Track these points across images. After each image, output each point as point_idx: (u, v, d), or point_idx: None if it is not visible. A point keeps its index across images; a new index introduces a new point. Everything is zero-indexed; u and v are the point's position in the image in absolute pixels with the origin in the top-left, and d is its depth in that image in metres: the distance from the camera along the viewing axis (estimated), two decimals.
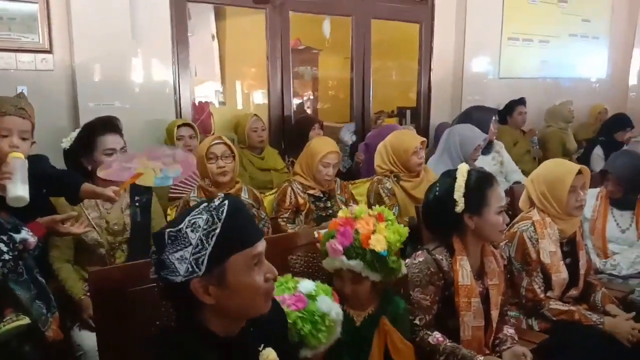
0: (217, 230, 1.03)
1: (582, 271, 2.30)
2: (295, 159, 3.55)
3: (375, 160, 2.94)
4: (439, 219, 1.86)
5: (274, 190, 2.94)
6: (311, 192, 2.73)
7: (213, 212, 1.05)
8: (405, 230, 1.68)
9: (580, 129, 5.58)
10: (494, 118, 3.63)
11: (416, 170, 2.86)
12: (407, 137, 2.92)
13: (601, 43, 6.13)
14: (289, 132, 3.91)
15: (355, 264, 1.57)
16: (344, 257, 1.58)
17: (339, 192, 2.82)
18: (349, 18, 4.27)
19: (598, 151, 4.51)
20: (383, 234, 1.58)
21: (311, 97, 6.23)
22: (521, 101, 4.64)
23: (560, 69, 5.69)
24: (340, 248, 1.58)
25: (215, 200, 1.08)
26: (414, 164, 2.84)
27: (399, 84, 6.10)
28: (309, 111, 5.92)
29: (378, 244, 1.54)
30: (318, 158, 2.66)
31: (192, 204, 2.36)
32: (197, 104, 3.95)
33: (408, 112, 5.24)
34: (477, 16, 4.77)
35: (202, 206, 1.07)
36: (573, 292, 2.28)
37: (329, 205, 2.76)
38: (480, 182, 1.81)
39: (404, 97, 5.83)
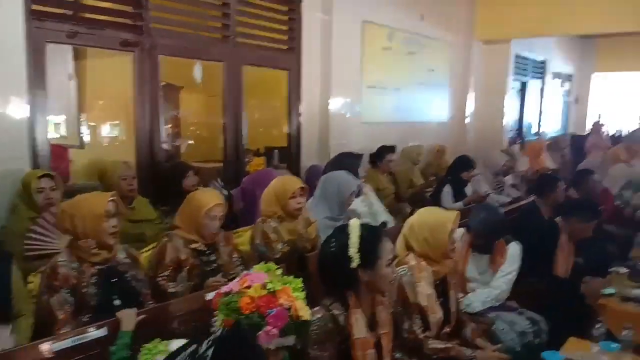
0: None
1: (453, 309, 2.54)
2: (167, 208, 3.42)
3: (261, 204, 2.99)
4: (334, 274, 1.93)
5: (150, 247, 2.77)
6: (194, 246, 2.64)
7: None
8: (300, 282, 1.70)
9: (427, 166, 6.24)
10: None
11: (295, 214, 2.96)
12: (287, 182, 3.03)
13: (443, 90, 6.94)
14: (161, 180, 3.74)
15: (291, 339, 1.52)
16: (279, 339, 1.53)
17: (223, 244, 2.76)
18: (220, 63, 4.28)
19: (447, 189, 5.04)
20: (298, 296, 1.56)
21: (172, 134, 6.06)
22: (391, 149, 5.06)
23: (411, 113, 6.30)
24: (277, 332, 1.52)
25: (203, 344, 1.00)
26: (292, 208, 2.94)
27: (267, 122, 6.23)
28: (169, 148, 5.74)
29: (303, 311, 1.53)
30: (203, 211, 2.59)
31: (61, 270, 2.12)
32: (54, 148, 3.60)
33: (276, 152, 5.36)
34: (340, 65, 5.10)
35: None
36: (446, 329, 2.50)
37: (213, 259, 2.69)
38: (373, 237, 1.92)
39: (272, 136, 5.97)
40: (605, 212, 4.86)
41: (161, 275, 2.53)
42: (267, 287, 1.55)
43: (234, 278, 2.56)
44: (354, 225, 1.92)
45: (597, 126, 8.84)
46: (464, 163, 5.18)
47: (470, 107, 7.41)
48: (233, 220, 3.61)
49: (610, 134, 12.07)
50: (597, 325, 2.64)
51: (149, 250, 2.74)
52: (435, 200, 5.00)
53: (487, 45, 7.35)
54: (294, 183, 2.99)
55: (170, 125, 5.95)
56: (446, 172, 5.32)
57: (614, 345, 2.36)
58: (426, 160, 6.29)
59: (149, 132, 3.79)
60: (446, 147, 6.50)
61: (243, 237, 3.04)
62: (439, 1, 6.53)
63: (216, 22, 4.26)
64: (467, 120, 7.37)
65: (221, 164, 4.53)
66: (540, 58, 8.89)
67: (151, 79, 3.76)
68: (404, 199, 5.30)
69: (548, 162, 7.07)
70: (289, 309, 1.53)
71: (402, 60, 6.06)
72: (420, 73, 6.38)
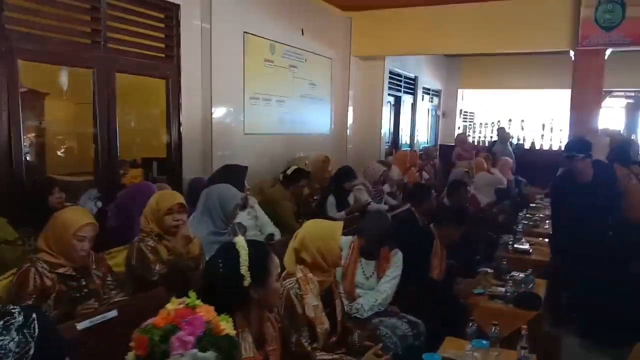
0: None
1: (339, 318, 2.57)
2: (30, 228, 3.08)
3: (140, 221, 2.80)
4: (225, 295, 1.84)
5: (8, 273, 2.46)
6: (61, 270, 2.39)
7: (25, 331, 0.92)
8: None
9: (313, 176, 6.34)
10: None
11: (173, 231, 2.82)
12: (163, 198, 2.88)
13: (325, 103, 7.13)
14: (22, 197, 3.36)
15: (209, 355, 1.36)
16: (195, 351, 1.34)
17: (94, 267, 2.53)
18: (90, 70, 3.97)
19: (331, 199, 5.16)
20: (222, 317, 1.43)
21: (35, 145, 5.49)
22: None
23: (294, 125, 6.38)
24: (192, 339, 1.34)
25: (15, 313, 0.93)
26: (169, 225, 2.80)
27: (144, 132, 5.91)
28: (32, 160, 5.20)
29: (228, 327, 1.40)
30: (71, 232, 2.35)
31: None
32: None
33: (155, 164, 5.10)
34: (221, 75, 5.01)
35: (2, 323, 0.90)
36: (333, 339, 2.53)
37: (84, 283, 2.45)
38: (261, 253, 1.88)
39: (151, 147, 5.67)
40: (472, 215, 5.31)
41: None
42: (187, 303, 1.42)
43: (108, 303, 2.37)
44: (241, 242, 1.86)
45: (461, 138, 9.63)
46: (346, 174, 5.35)
47: (350, 119, 7.71)
48: (106, 239, 3.35)
49: (479, 142, 13.35)
50: (470, 325, 2.85)
51: (7, 277, 2.42)
52: (320, 210, 5.09)
53: (364, 62, 7.71)
54: (171, 198, 2.85)
55: (32, 135, 5.39)
56: (329, 183, 5.44)
57: (485, 342, 2.55)
58: (312, 170, 6.42)
59: (7, 143, 3.40)
60: (329, 157, 6.68)
61: (117, 258, 2.83)
62: (318, 17, 6.73)
63: (85, 26, 3.95)
64: (347, 132, 7.65)
65: (92, 177, 4.20)
66: (412, 75, 9.53)
67: (9, 85, 3.38)
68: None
69: (422, 172, 7.60)
70: (208, 322, 1.39)
71: (285, 73, 6.12)
72: (302, 86, 6.50)
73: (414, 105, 9.88)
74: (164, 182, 4.56)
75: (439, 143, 11.60)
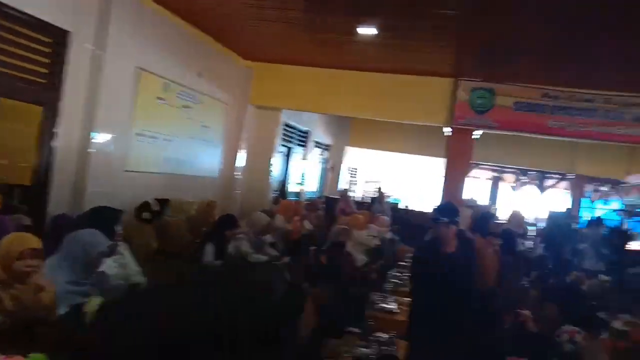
0: None
1: None
2: None
3: None
4: None
5: None
6: None
7: None
8: None
9: (197, 221, 6.20)
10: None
11: (23, 278, 2.54)
12: (15, 241, 2.55)
13: (216, 147, 7.06)
14: None
15: None
16: None
17: None
18: None
19: (209, 247, 5.03)
20: None
21: None
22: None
23: (181, 165, 6.22)
24: None
25: None
26: (20, 271, 2.51)
27: (7, 153, 5.36)
28: None
29: None
30: None
31: None
32: None
33: (17, 191, 4.63)
34: (107, 107, 4.79)
35: None
36: None
37: None
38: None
39: (12, 170, 5.15)
40: (346, 274, 5.46)
41: None
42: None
43: None
44: (92, 306, 1.74)
45: (344, 193, 9.98)
46: (227, 222, 5.28)
47: (240, 165, 7.70)
48: None
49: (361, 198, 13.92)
50: None
51: None
52: (198, 257, 4.93)
53: (260, 110, 7.83)
54: (24, 242, 2.53)
55: None
56: (210, 229, 5.33)
57: None
58: (197, 214, 6.27)
59: None
60: (216, 202, 6.57)
61: None
62: (218, 62, 6.76)
63: None
64: (236, 177, 7.61)
65: None
66: (305, 128, 9.83)
67: None
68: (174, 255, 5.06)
69: (305, 223, 7.72)
70: None
71: (177, 112, 6.00)
72: (194, 127, 6.40)
73: (304, 157, 10.13)
74: (24, 213, 4.16)
75: (324, 195, 11.95)
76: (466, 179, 7.09)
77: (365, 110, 7.41)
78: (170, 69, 5.72)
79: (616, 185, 10.89)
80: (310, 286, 3.79)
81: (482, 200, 12.67)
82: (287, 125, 8.70)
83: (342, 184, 12.50)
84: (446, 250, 4.27)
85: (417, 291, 4.93)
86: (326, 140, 11.68)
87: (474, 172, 14.89)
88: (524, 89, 6.45)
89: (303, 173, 10.16)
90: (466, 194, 10.25)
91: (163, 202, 5.33)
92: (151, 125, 5.54)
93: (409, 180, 15.10)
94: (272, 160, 8.10)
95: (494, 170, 14.94)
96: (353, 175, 14.15)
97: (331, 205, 9.78)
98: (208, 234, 5.33)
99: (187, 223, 5.56)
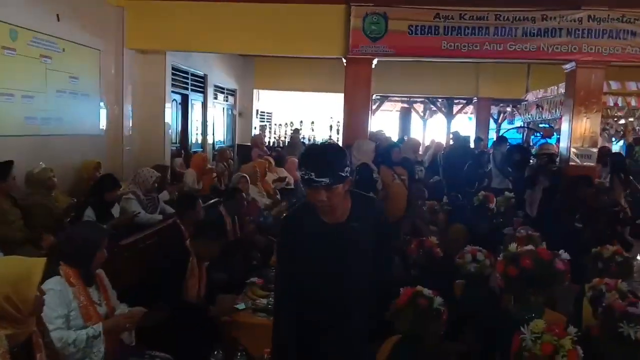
0: None
1: None
2: None
3: None
4: None
5: None
6: None
7: None
8: None
9: (78, 187, 5.58)
10: None
11: None
12: None
13: (93, 100, 6.31)
14: None
15: None
16: None
17: None
18: None
19: (89, 212, 4.51)
20: None
21: None
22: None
23: (51, 125, 5.48)
24: None
25: None
26: None
27: None
28: None
29: None
30: None
31: None
32: None
33: None
34: None
35: None
36: None
37: None
38: None
39: None
40: (245, 223, 5.17)
41: None
42: None
43: None
44: None
45: (256, 139, 9.58)
46: (106, 183, 4.75)
47: (128, 118, 7.00)
48: None
49: (276, 142, 13.57)
50: (215, 352, 2.61)
51: None
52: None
53: (141, 55, 7.07)
54: None
55: None
56: (87, 194, 4.78)
57: None
58: (82, 178, 5.65)
59: None
60: (101, 163, 5.94)
61: None
62: (80, 3, 5.90)
63: None
64: (125, 133, 6.93)
65: None
66: (200, 72, 9.14)
67: None
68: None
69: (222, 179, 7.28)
70: None
71: (34, 64, 5.19)
72: (60, 80, 5.62)
73: (204, 104, 9.49)
74: None
75: (236, 143, 11.44)
76: (368, 113, 6.87)
77: (256, 46, 6.88)
78: (16, 12, 4.88)
79: (517, 104, 11.23)
80: (192, 243, 3.43)
81: (394, 132, 12.72)
82: (177, 69, 7.99)
83: (254, 130, 12.00)
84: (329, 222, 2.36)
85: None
86: (229, 84, 11.03)
87: (385, 106, 14.90)
88: (416, 12, 6.18)
89: (206, 121, 9.54)
90: (376, 127, 10.21)
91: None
92: (2, 82, 4.76)
93: (324, 119, 14.86)
94: (165, 110, 7.44)
95: (403, 102, 15.02)
96: (266, 120, 13.67)
97: (245, 154, 9.41)
98: (87, 198, 4.79)
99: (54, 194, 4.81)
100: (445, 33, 6.14)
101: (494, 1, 6.04)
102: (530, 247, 2.87)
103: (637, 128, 8.00)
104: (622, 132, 8.13)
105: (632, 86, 6.77)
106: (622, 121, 7.95)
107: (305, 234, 2.17)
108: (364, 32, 6.26)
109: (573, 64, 6.21)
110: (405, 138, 10.11)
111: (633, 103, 6.78)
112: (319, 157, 2.07)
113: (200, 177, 6.80)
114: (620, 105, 6.88)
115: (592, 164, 6.37)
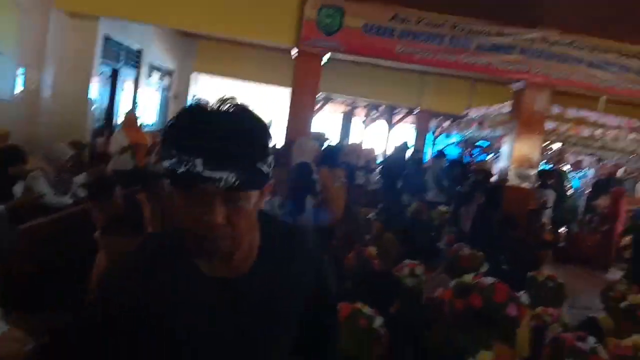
0: None
1: None
2: None
3: None
4: None
5: None
6: None
7: None
8: None
9: None
10: None
11: None
12: None
13: (8, 62, 5.56)
14: None
15: None
16: None
17: None
18: None
19: None
20: None
21: None
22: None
23: None
24: None
25: None
26: None
27: None
28: None
29: None
30: None
31: None
32: None
33: None
34: None
35: None
36: None
37: None
38: None
39: None
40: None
41: None
42: None
43: None
44: None
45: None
46: (10, 155, 4.12)
47: (48, 87, 6.26)
48: None
49: None
50: None
51: None
52: None
53: (71, 19, 6.35)
54: None
55: None
56: None
57: None
58: None
59: None
60: (10, 132, 5.21)
61: None
62: None
63: None
64: (42, 101, 6.18)
65: None
66: (136, 46, 8.43)
67: None
68: None
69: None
70: None
71: None
72: None
73: (137, 81, 8.78)
74: None
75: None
76: (314, 110, 6.55)
77: (201, 23, 6.37)
78: None
79: (456, 119, 11.35)
80: (102, 236, 2.93)
81: (335, 134, 12.53)
82: (109, 39, 7.28)
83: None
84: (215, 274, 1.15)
85: None
86: (167, 64, 10.33)
87: (328, 107, 14.70)
88: (373, 10, 5.94)
89: (136, 101, 8.83)
90: (318, 128, 9.95)
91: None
92: None
93: (267, 112, 14.40)
94: (92, 83, 6.74)
95: (347, 105, 14.89)
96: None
97: None
98: None
99: None
100: (400, 36, 5.94)
101: (453, 10, 5.91)
102: (489, 280, 2.66)
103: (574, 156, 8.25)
104: (555, 157, 8.35)
105: (572, 113, 6.91)
106: (555, 146, 8.16)
107: (165, 299, 1.04)
108: (318, 25, 5.93)
109: (522, 83, 6.21)
110: (346, 142, 9.94)
111: (576, 130, 6.92)
112: (219, 130, 0.95)
113: (134, 145, 5.96)
114: (558, 130, 7.00)
115: (530, 186, 6.41)
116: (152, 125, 10.08)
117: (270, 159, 1.00)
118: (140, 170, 5.65)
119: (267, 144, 1.00)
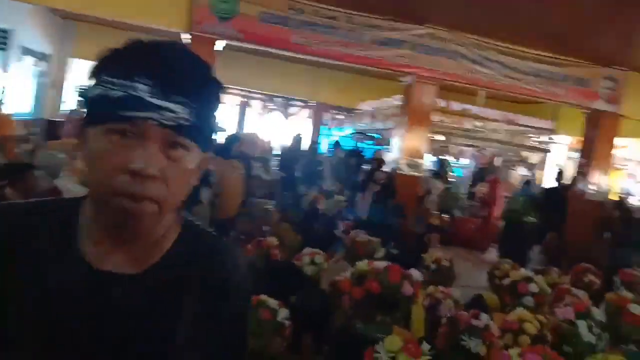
0: None
1: None
2: None
3: None
4: None
5: None
6: None
7: None
8: None
9: None
10: None
11: None
12: None
13: None
14: None
15: None
16: None
17: None
18: None
19: None
20: None
21: None
22: None
23: None
24: None
25: None
26: None
27: None
28: None
29: None
30: None
31: None
32: None
33: None
34: None
35: None
36: None
37: None
38: None
39: None
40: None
41: None
42: None
43: None
44: None
45: (71, 116, 8.32)
46: None
47: None
48: None
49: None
50: None
51: None
52: None
53: None
54: None
55: None
56: None
57: None
58: None
59: None
60: None
61: None
62: None
63: None
64: None
65: None
66: (4, 26, 7.54)
67: None
68: None
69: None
70: None
71: None
72: None
73: (4, 66, 7.85)
74: None
75: (43, 117, 9.77)
76: None
77: (80, 3, 5.86)
78: None
79: (350, 112, 11.66)
80: None
81: (230, 126, 12.26)
82: None
83: (69, 105, 10.41)
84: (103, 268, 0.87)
85: None
86: (42, 47, 9.37)
87: (222, 97, 14.34)
88: None
89: (3, 87, 7.90)
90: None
91: None
92: None
93: None
94: None
95: (242, 96, 14.65)
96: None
97: (52, 130, 8.09)
98: None
99: None
100: (296, 26, 5.92)
101: (348, 3, 6.01)
102: (382, 264, 2.73)
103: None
104: (440, 149, 8.88)
105: (456, 106, 7.38)
106: (440, 137, 8.69)
107: (36, 288, 0.81)
108: (212, 9, 5.71)
109: (411, 77, 6.50)
110: (243, 133, 9.76)
111: (459, 123, 7.39)
112: (172, 57, 0.79)
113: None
114: (443, 122, 7.45)
115: (419, 174, 6.74)
116: (26, 114, 9.11)
117: (217, 125, 0.84)
118: (9, 164, 5.10)
119: (219, 98, 0.83)
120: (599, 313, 2.99)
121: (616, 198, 7.61)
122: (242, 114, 13.51)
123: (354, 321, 2.76)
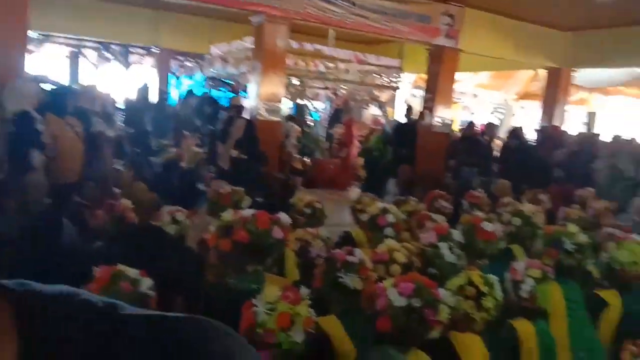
0: None
1: None
2: None
3: None
4: None
5: None
6: None
7: None
8: None
9: None
10: None
11: None
12: None
13: None
14: None
15: None
16: None
17: None
18: None
19: None
20: None
21: None
22: None
23: None
24: None
25: None
26: None
27: None
28: None
29: None
30: None
31: None
32: None
33: None
34: None
35: None
36: None
37: None
38: None
39: None
40: None
41: None
42: None
43: None
44: None
45: None
46: None
47: None
48: None
49: None
50: None
51: None
52: None
53: None
54: None
55: None
56: None
57: None
58: None
59: None
60: None
61: None
62: None
63: None
64: None
65: None
66: None
67: None
68: None
69: None
70: None
71: None
72: None
73: None
74: None
75: None
76: (25, 47, 5.38)
77: None
78: None
79: (199, 59, 10.99)
80: None
81: (60, 79, 10.80)
82: None
83: None
84: None
85: None
86: None
87: (47, 48, 12.56)
88: None
89: None
90: (37, 72, 8.34)
91: None
92: None
93: None
94: None
95: (71, 46, 12.98)
96: None
97: None
98: None
99: None
100: None
101: None
102: (247, 212, 2.56)
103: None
104: (297, 93, 8.78)
105: (309, 47, 7.27)
106: (296, 81, 8.58)
107: None
108: None
109: (261, 17, 6.19)
110: (79, 85, 8.65)
111: (313, 66, 7.29)
112: None
113: None
114: (298, 65, 7.31)
115: (278, 119, 6.60)
116: None
117: None
118: None
119: None
120: (457, 234, 3.18)
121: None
122: (74, 65, 12.01)
123: (225, 276, 2.58)
